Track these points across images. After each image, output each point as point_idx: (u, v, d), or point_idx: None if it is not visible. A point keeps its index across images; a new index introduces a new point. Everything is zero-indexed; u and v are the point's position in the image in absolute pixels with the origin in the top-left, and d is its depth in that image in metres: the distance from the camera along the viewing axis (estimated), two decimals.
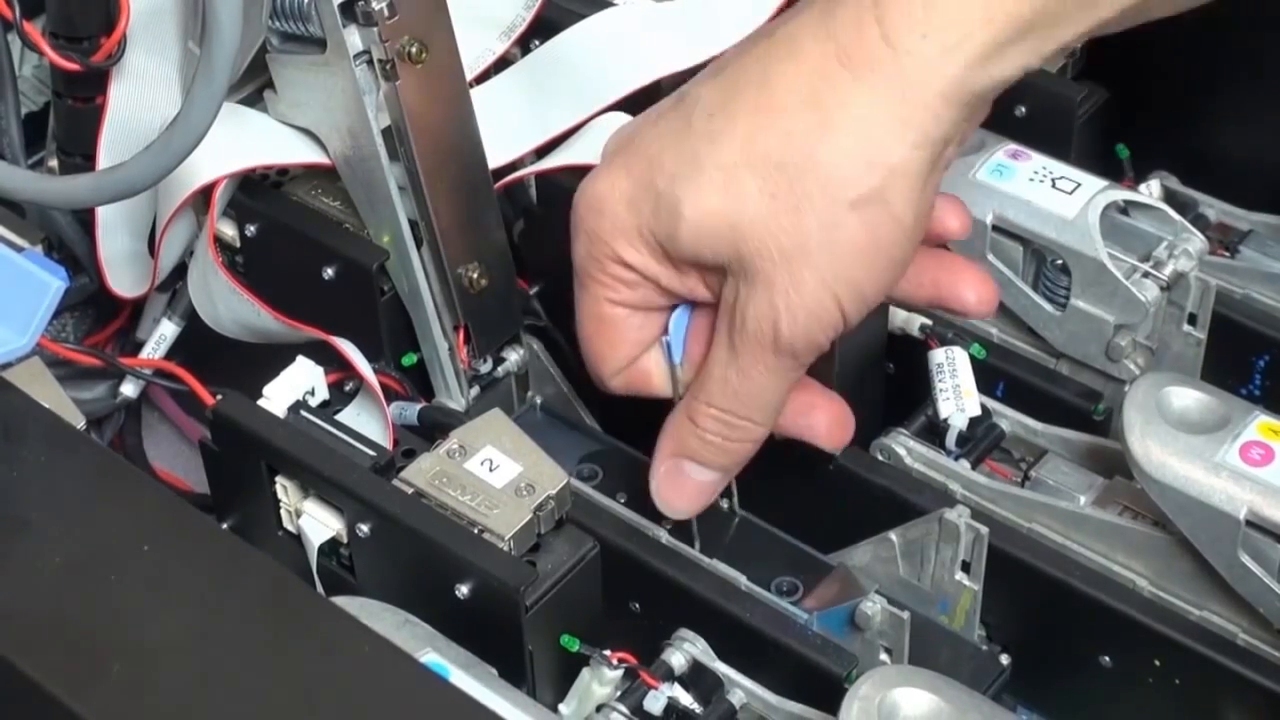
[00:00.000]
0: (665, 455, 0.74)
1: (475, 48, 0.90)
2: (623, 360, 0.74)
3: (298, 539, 0.78)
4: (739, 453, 0.73)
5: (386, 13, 0.76)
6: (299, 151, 0.84)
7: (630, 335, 0.73)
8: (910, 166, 0.66)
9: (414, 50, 0.78)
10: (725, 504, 0.80)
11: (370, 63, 0.79)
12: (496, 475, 0.74)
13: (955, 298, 0.75)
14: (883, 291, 0.69)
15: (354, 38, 0.78)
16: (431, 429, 0.81)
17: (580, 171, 0.87)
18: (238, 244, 0.87)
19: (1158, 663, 0.76)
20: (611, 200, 0.70)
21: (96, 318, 0.98)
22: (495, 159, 0.86)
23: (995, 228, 0.86)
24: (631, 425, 0.87)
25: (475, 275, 0.83)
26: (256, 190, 0.87)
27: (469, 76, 0.85)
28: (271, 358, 0.81)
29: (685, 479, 0.74)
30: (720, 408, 0.71)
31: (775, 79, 0.67)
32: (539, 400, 0.89)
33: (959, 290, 0.74)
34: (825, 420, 0.76)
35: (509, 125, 0.89)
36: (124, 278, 0.92)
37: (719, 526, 0.80)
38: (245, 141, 0.84)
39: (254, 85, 0.86)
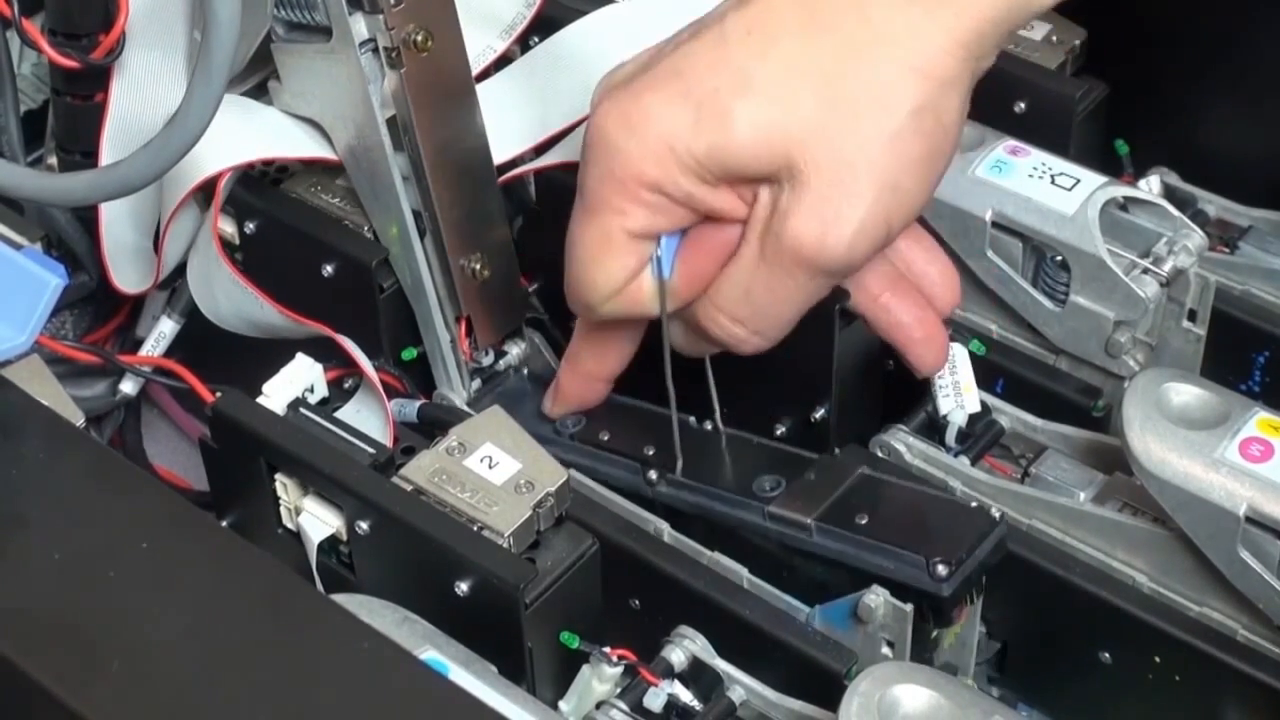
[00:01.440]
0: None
1: (476, 45, 0.90)
2: (617, 286, 0.73)
3: (297, 536, 0.78)
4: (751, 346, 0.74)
5: (392, 0, 0.77)
6: (303, 145, 0.84)
7: (631, 261, 0.72)
8: (960, 80, 0.68)
9: (419, 38, 0.78)
10: (709, 425, 0.81)
11: (375, 51, 0.79)
12: (496, 472, 0.74)
13: (908, 349, 0.78)
14: (921, 207, 0.70)
15: (359, 26, 0.78)
16: (431, 426, 0.81)
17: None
18: (237, 241, 0.87)
19: (1157, 659, 0.76)
20: (643, 118, 0.69)
21: (96, 315, 0.98)
22: (496, 157, 0.86)
23: (994, 224, 0.86)
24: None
25: (478, 266, 0.84)
26: (256, 187, 0.87)
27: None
28: (271, 355, 0.81)
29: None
30: (733, 316, 0.72)
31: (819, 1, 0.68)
32: (526, 370, 0.89)
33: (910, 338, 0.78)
34: (920, 336, 0.77)
35: (509, 123, 0.89)
36: (128, 273, 0.92)
37: (702, 444, 0.80)
38: (249, 134, 0.84)
39: (259, 76, 0.86)
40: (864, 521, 0.76)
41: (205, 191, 0.85)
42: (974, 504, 0.77)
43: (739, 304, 0.71)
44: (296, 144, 0.84)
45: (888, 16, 0.67)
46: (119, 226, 0.90)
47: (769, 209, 0.69)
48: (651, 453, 0.80)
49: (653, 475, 0.80)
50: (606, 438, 0.82)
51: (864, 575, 0.74)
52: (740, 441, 0.81)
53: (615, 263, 0.72)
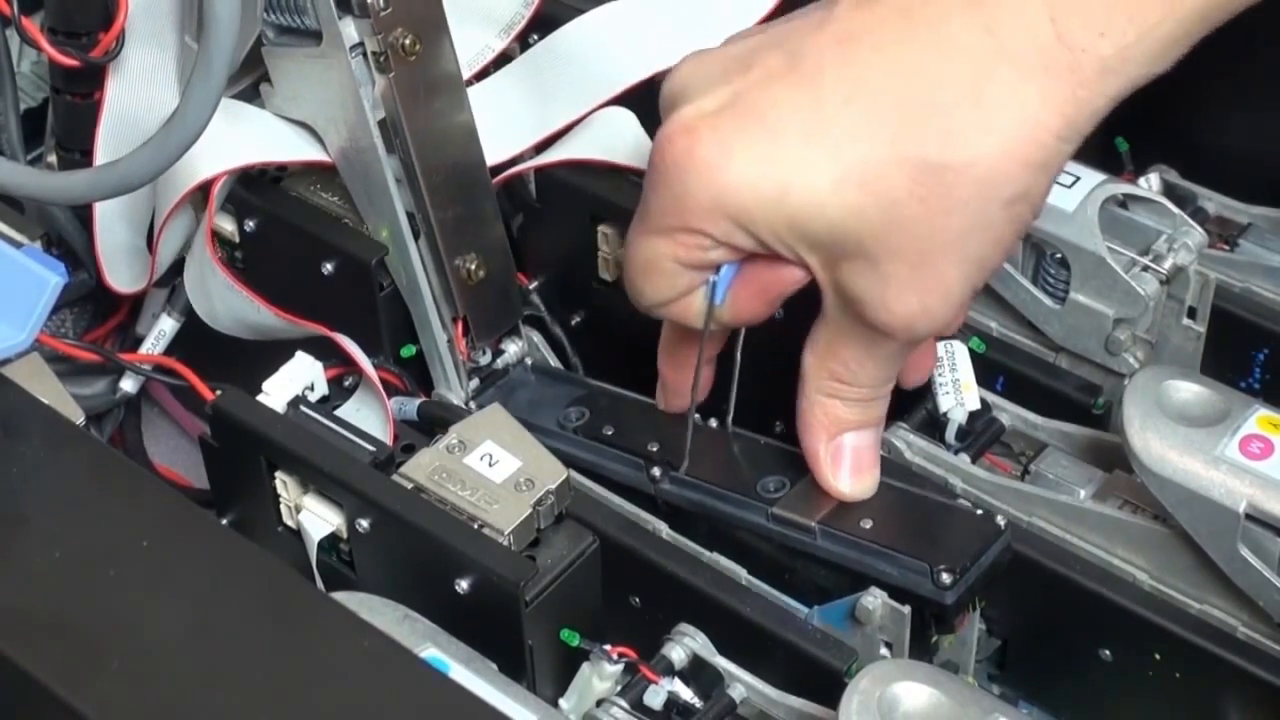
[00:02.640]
0: (821, 442, 0.74)
1: (474, 44, 0.90)
2: (664, 301, 0.73)
3: (298, 534, 0.78)
4: (885, 404, 0.74)
5: (380, 5, 0.77)
6: (297, 148, 0.84)
7: (679, 283, 0.72)
8: (1057, 162, 0.65)
9: (407, 42, 0.78)
10: (715, 423, 0.81)
11: (365, 55, 0.79)
12: (496, 470, 0.74)
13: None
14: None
15: (349, 30, 0.78)
16: (431, 424, 0.81)
17: (579, 167, 0.87)
18: (236, 239, 0.87)
19: (1158, 656, 0.76)
20: (722, 165, 0.67)
21: (96, 313, 0.98)
22: (496, 155, 0.86)
23: None
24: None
25: (473, 266, 0.84)
26: (256, 186, 0.87)
27: (468, 73, 0.86)
28: (271, 353, 0.81)
29: (856, 453, 0.75)
30: (855, 383, 0.72)
31: (925, 71, 0.65)
32: (529, 361, 0.88)
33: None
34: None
35: (509, 121, 0.89)
36: (122, 273, 0.92)
37: (710, 443, 0.80)
38: (244, 138, 0.84)
39: (250, 79, 0.86)
40: (868, 526, 0.75)
41: (201, 193, 0.85)
42: (980, 511, 0.77)
43: (849, 372, 0.72)
44: (290, 147, 0.84)
45: (1005, 100, 0.63)
46: (113, 226, 0.90)
47: (851, 284, 0.68)
48: (655, 449, 0.80)
49: (656, 472, 0.80)
50: (610, 433, 0.82)
51: (867, 580, 0.74)
52: (745, 440, 0.81)
53: (664, 282, 0.72)
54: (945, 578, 0.73)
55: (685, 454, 0.79)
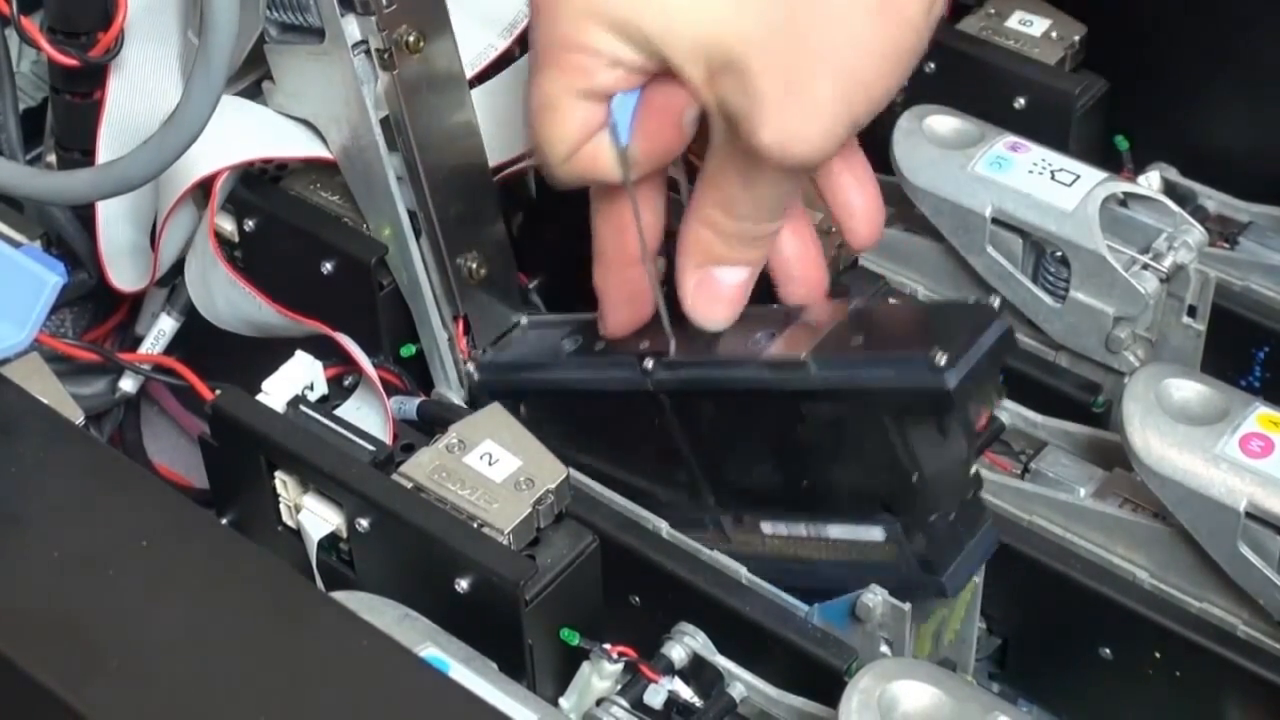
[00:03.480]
0: (690, 269, 0.73)
1: (477, 45, 0.90)
2: (570, 144, 0.70)
3: (297, 534, 0.78)
4: (765, 246, 0.72)
5: (384, 1, 0.77)
6: (299, 145, 0.84)
7: (577, 118, 0.70)
8: None
9: (411, 39, 0.78)
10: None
11: (368, 52, 0.79)
12: (496, 469, 0.74)
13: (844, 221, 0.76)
14: (891, 93, 0.67)
15: (352, 27, 0.78)
16: (431, 423, 0.81)
17: None
18: (236, 239, 0.87)
19: (1158, 655, 0.76)
20: None
21: (95, 313, 0.98)
22: (498, 156, 0.86)
23: (994, 220, 0.86)
24: None
25: (474, 265, 0.83)
26: (255, 185, 0.87)
27: (470, 74, 0.85)
28: (271, 353, 0.81)
29: (719, 286, 0.73)
30: (732, 214, 0.70)
31: None
32: (524, 320, 0.86)
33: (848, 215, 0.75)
34: (861, 208, 0.75)
35: (512, 121, 0.89)
36: (125, 271, 0.92)
37: (695, 331, 0.75)
38: (246, 134, 0.84)
39: (253, 76, 0.86)
40: (859, 342, 0.72)
41: (203, 190, 0.85)
42: (973, 299, 0.73)
43: (731, 201, 0.70)
44: (292, 144, 0.84)
45: None
46: (116, 225, 0.90)
47: (731, 105, 0.66)
48: (645, 347, 0.76)
49: (648, 364, 0.76)
50: (601, 347, 0.79)
51: (871, 400, 0.70)
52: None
53: (563, 121, 0.70)
54: (941, 358, 0.68)
55: (669, 334, 0.76)
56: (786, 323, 0.75)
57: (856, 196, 0.75)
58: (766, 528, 0.76)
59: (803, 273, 0.76)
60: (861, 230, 0.76)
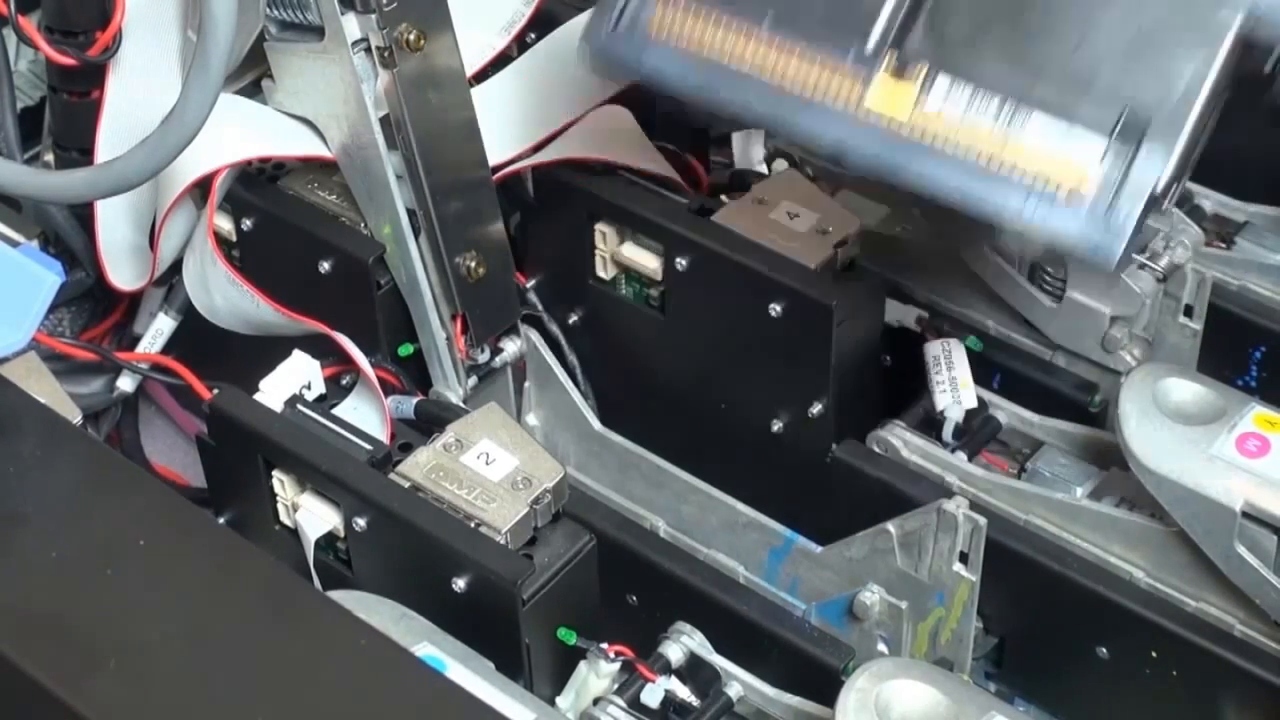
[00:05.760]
0: None
1: (474, 43, 0.90)
2: None
3: (295, 533, 0.78)
4: None
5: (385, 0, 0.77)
6: (299, 143, 0.84)
7: None
8: None
9: (412, 37, 0.78)
10: None
11: (368, 50, 0.79)
12: (493, 469, 0.74)
13: None
14: None
15: (352, 25, 0.78)
16: (428, 423, 0.81)
17: (577, 166, 0.87)
18: (234, 238, 0.88)
19: (1154, 654, 0.76)
20: None
21: (93, 312, 0.98)
22: (496, 155, 0.86)
23: None
24: (630, 415, 0.87)
25: (473, 264, 0.84)
26: (253, 184, 0.87)
27: (469, 72, 0.85)
28: (268, 352, 0.81)
29: None
30: None
31: None
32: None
33: None
34: None
35: (509, 121, 0.89)
36: (124, 270, 0.92)
37: None
38: (245, 132, 0.84)
39: (252, 75, 0.86)
40: None
41: (201, 189, 0.85)
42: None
43: None
44: (292, 142, 0.84)
45: None
46: (115, 224, 0.90)
47: None
48: None
49: None
50: None
51: None
52: None
53: None
54: None
55: None
56: None
57: None
58: (939, 92, 0.62)
59: None
60: None
